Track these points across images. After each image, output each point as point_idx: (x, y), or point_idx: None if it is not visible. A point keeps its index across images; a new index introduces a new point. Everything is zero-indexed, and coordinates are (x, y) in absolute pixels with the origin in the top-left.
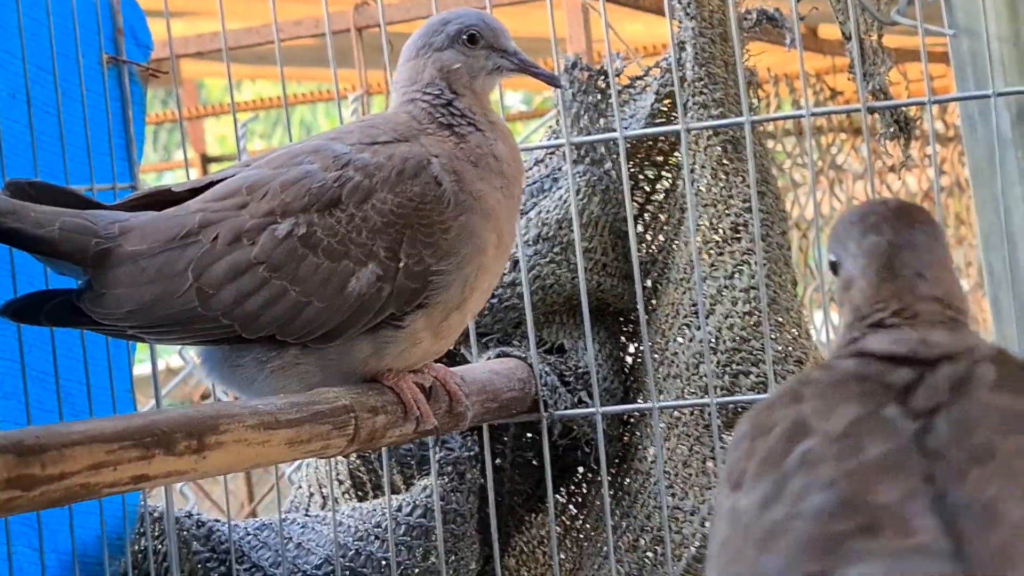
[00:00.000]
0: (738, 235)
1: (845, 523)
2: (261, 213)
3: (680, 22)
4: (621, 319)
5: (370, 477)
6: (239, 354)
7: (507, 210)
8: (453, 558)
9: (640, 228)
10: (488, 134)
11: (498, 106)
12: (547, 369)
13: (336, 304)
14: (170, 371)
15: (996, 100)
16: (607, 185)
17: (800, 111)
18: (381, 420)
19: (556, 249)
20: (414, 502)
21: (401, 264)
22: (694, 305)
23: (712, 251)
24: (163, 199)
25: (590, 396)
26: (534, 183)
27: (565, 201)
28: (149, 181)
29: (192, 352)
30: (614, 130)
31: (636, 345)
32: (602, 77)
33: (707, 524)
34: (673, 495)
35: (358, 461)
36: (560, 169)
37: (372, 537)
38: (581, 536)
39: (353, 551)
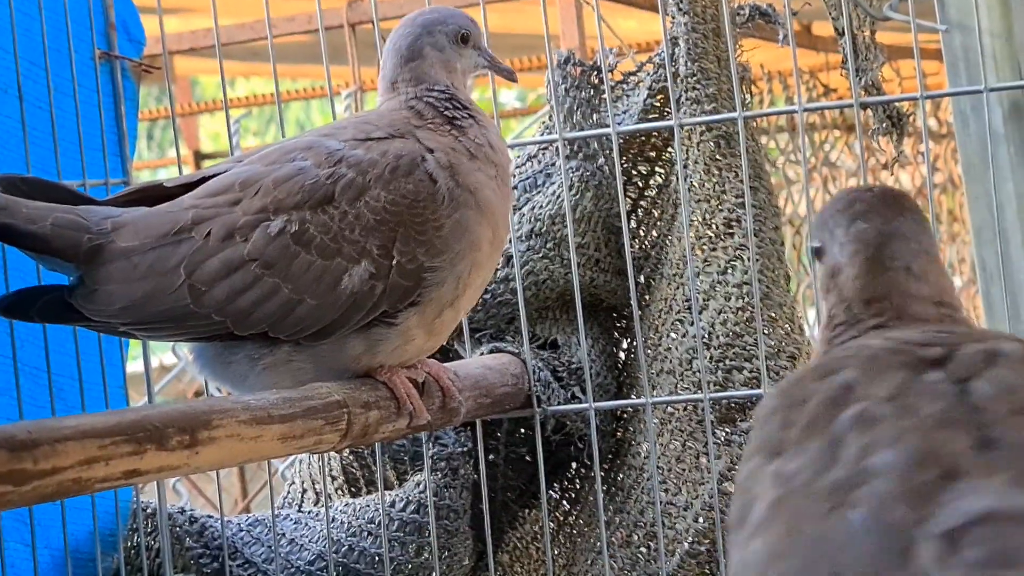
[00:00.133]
0: (731, 231)
1: (926, 473)
2: (254, 210)
3: (673, 18)
4: (614, 315)
5: (363, 473)
6: (231, 351)
7: (501, 200)
8: (446, 554)
9: (633, 224)
10: (484, 124)
11: (491, 102)
12: (540, 365)
13: (329, 302)
14: (163, 368)
15: (988, 96)
16: (600, 181)
17: (793, 107)
18: (374, 415)
19: (549, 245)
20: (407, 498)
21: (394, 262)
22: (687, 301)
23: (705, 247)
24: (155, 194)
25: (583, 392)
26: (527, 179)
27: (558, 197)
28: (143, 178)
29: (185, 349)
30: (607, 126)
31: (629, 341)
32: (595, 73)
33: (700, 520)
34: (666, 491)
35: (351, 457)
36: (553, 165)
37: (365, 533)
38: (574, 532)
39: (346, 547)
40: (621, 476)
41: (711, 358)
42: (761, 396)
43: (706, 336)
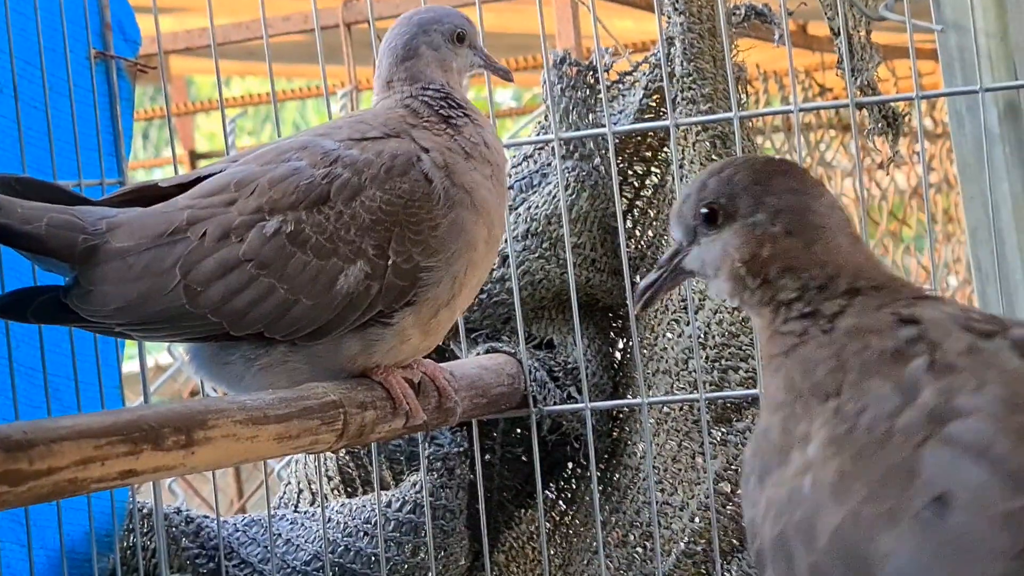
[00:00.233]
0: None
1: (1020, 415)
2: (249, 210)
3: (669, 18)
4: (610, 315)
5: (359, 473)
6: (227, 351)
7: (497, 199)
8: (442, 554)
9: (629, 224)
10: (480, 123)
11: (487, 102)
12: (536, 365)
13: (324, 302)
14: (159, 368)
15: (984, 96)
16: (596, 181)
17: (788, 107)
18: (370, 416)
19: (545, 245)
20: (403, 498)
21: (390, 262)
22: (683, 301)
23: None
24: (150, 194)
25: (579, 392)
26: (523, 178)
27: (554, 197)
28: (138, 178)
29: (181, 349)
30: (603, 125)
31: (625, 341)
32: (591, 73)
33: (696, 519)
34: (662, 491)
35: (347, 457)
36: (549, 165)
37: (361, 533)
38: (570, 532)
39: (342, 547)
40: (617, 476)
41: (707, 358)
42: (757, 396)
43: (702, 336)
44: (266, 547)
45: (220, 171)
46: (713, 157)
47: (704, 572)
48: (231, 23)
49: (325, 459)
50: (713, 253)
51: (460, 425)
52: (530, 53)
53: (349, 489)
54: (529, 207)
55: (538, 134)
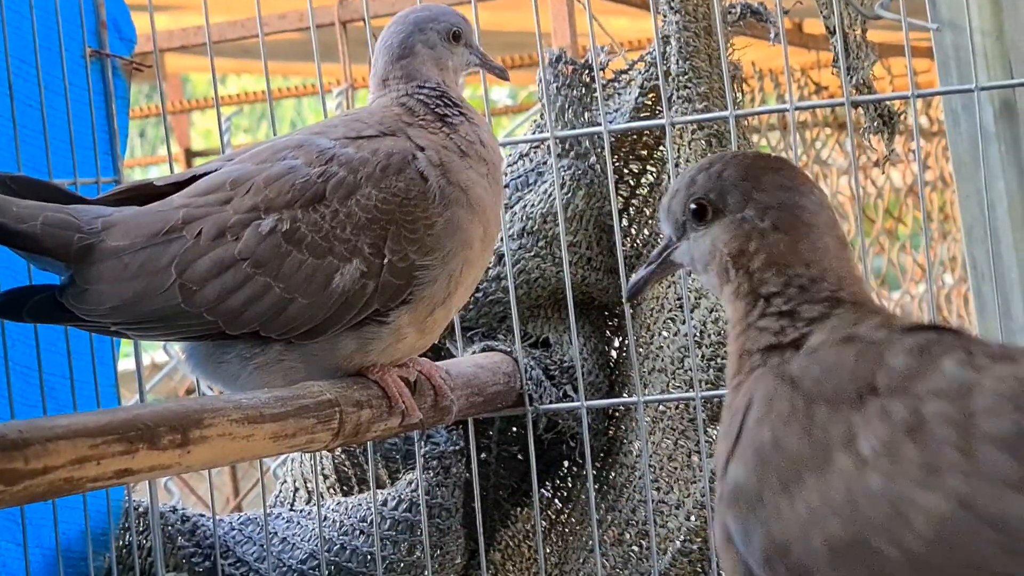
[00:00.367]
0: None
1: None
2: (245, 209)
3: (664, 16)
4: (606, 313)
5: (355, 471)
6: (223, 350)
7: (493, 197)
8: (438, 552)
9: (625, 222)
10: (476, 121)
11: (483, 100)
12: (532, 363)
13: (320, 301)
14: (155, 366)
15: (979, 94)
16: (592, 179)
17: (784, 105)
18: (366, 414)
19: (541, 243)
20: (399, 497)
21: (386, 260)
22: (679, 299)
23: None
24: (146, 193)
25: (575, 390)
26: (519, 177)
27: (550, 195)
28: (133, 176)
29: (177, 348)
30: (599, 124)
31: (621, 339)
32: (587, 71)
33: (692, 518)
34: (658, 489)
35: (343, 455)
36: (545, 163)
37: (357, 532)
38: (566, 530)
39: (338, 546)
40: (613, 474)
41: (703, 356)
42: None
43: (698, 334)
44: (262, 545)
45: (216, 170)
46: (709, 155)
47: (700, 570)
48: (227, 21)
49: (321, 458)
50: (702, 248)
51: (456, 423)
52: (526, 51)
53: (345, 488)
54: (525, 205)
55: (534, 132)
